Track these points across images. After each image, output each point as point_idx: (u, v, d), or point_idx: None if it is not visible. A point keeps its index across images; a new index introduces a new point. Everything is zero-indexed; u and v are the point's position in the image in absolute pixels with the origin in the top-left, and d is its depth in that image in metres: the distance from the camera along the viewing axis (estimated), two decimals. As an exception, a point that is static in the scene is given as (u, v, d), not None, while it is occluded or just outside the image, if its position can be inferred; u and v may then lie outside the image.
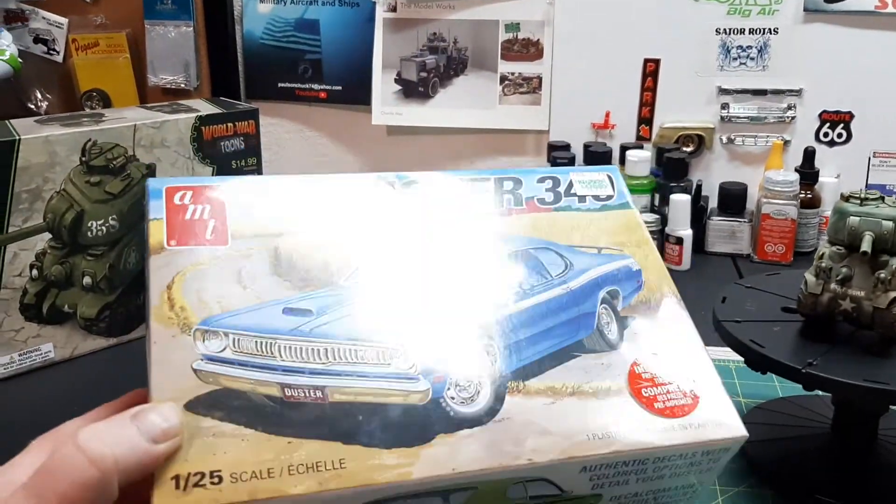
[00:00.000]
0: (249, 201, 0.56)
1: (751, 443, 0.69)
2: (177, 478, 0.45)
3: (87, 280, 0.88)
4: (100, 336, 0.90)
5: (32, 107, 1.34)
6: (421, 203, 0.58)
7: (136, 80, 1.34)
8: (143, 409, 0.43)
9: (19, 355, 0.85)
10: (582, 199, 0.62)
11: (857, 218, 0.62)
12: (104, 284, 0.89)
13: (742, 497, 0.65)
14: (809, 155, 1.16)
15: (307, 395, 0.49)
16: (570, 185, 0.62)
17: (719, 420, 0.52)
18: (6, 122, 0.87)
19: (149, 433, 0.42)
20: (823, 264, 0.63)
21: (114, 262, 0.90)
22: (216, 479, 0.46)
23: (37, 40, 1.33)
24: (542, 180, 0.62)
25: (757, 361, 0.62)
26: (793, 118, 1.20)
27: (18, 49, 1.25)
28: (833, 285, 0.62)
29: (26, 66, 1.27)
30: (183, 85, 1.33)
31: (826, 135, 1.20)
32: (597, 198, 0.62)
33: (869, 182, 1.19)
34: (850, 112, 1.18)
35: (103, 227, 0.88)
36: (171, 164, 0.92)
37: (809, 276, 0.64)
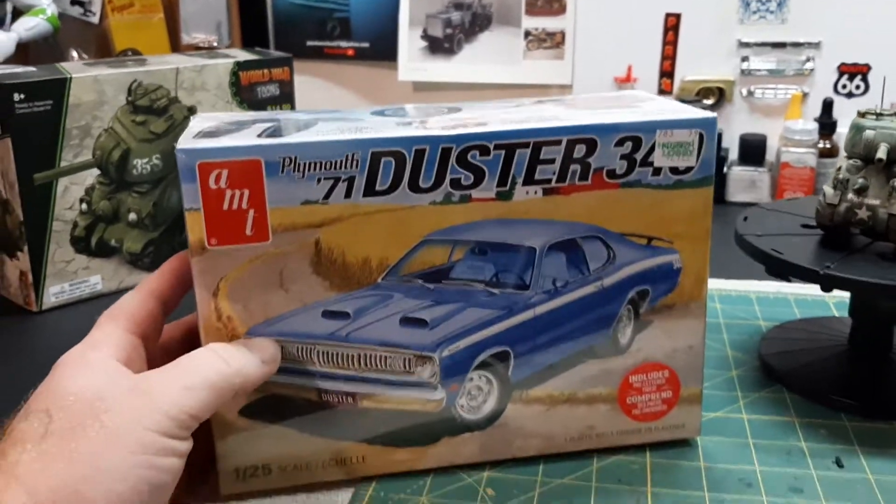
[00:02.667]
0: (290, 182, 0.51)
1: (771, 354, 0.73)
2: (237, 470, 0.55)
3: (132, 216, 0.93)
4: (144, 270, 0.94)
5: (70, 67, 1.38)
6: (476, 177, 0.53)
7: (169, 39, 1.39)
8: (256, 339, 0.53)
9: (69, 285, 0.89)
10: (657, 171, 0.55)
11: (873, 131, 0.65)
12: (148, 221, 0.94)
13: (761, 401, 0.68)
14: (828, 106, 1.19)
15: (340, 400, 0.56)
16: (651, 149, 0.54)
17: (682, 424, 0.61)
18: (55, 64, 0.92)
19: (261, 355, 0.51)
20: (841, 176, 0.66)
21: (157, 199, 0.94)
22: (267, 471, 0.56)
23: (73, 2, 1.37)
24: (620, 143, 0.54)
25: (776, 267, 0.65)
26: (811, 70, 1.22)
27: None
28: (850, 195, 0.66)
29: (63, 28, 1.31)
30: (215, 43, 1.37)
31: (844, 86, 1.22)
32: (675, 170, 0.55)
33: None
34: (867, 64, 1.21)
35: (147, 166, 0.92)
36: (211, 107, 0.96)
37: (828, 189, 0.67)
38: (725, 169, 1.20)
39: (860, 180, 0.65)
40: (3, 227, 0.87)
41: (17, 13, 1.29)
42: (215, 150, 0.49)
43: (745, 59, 1.23)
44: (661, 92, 1.26)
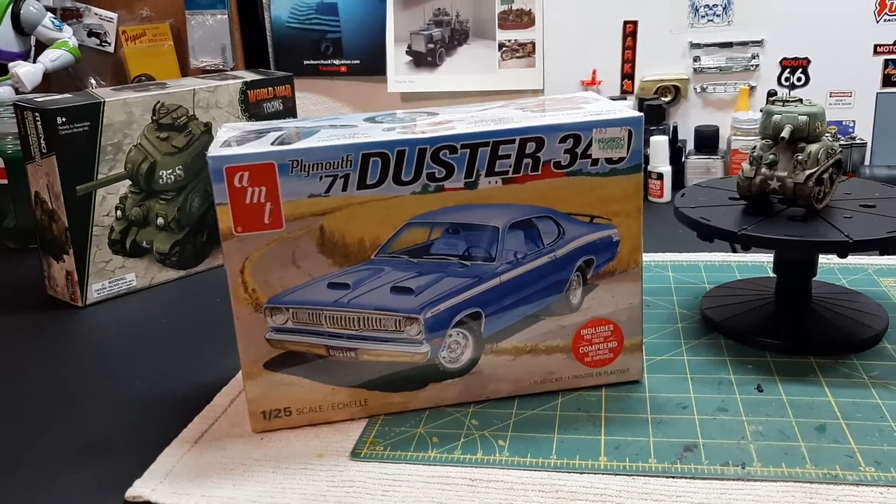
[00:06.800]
0: (298, 180, 0.63)
1: (709, 308, 0.86)
2: (264, 412, 0.69)
3: (160, 220, 1.06)
4: (172, 268, 1.08)
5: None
6: (447, 171, 0.64)
7: (179, 64, 1.52)
8: None
9: (109, 282, 1.02)
10: (595, 162, 0.65)
11: (779, 115, 0.78)
12: (174, 224, 1.07)
13: (700, 346, 0.81)
14: (772, 95, 1.32)
15: (344, 355, 0.69)
16: (589, 144, 0.64)
17: (627, 368, 0.73)
18: (87, 90, 1.05)
19: None
20: (755, 154, 0.80)
21: (181, 205, 1.07)
22: (288, 412, 0.69)
23: (90, 34, 1.51)
24: (564, 140, 0.64)
25: (705, 232, 0.78)
26: (757, 66, 1.36)
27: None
28: (763, 169, 0.79)
29: (82, 57, 1.45)
30: (221, 66, 1.51)
31: (787, 79, 1.36)
32: (609, 160, 0.65)
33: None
34: (806, 58, 1.35)
35: (171, 176, 1.06)
36: (224, 123, 1.09)
37: (745, 165, 0.80)
38: (683, 158, 1.33)
39: (771, 156, 0.79)
40: (50, 234, 1.00)
41: (40, 46, 1.43)
42: (238, 156, 0.62)
43: (696, 58, 1.37)
44: (623, 92, 1.40)
